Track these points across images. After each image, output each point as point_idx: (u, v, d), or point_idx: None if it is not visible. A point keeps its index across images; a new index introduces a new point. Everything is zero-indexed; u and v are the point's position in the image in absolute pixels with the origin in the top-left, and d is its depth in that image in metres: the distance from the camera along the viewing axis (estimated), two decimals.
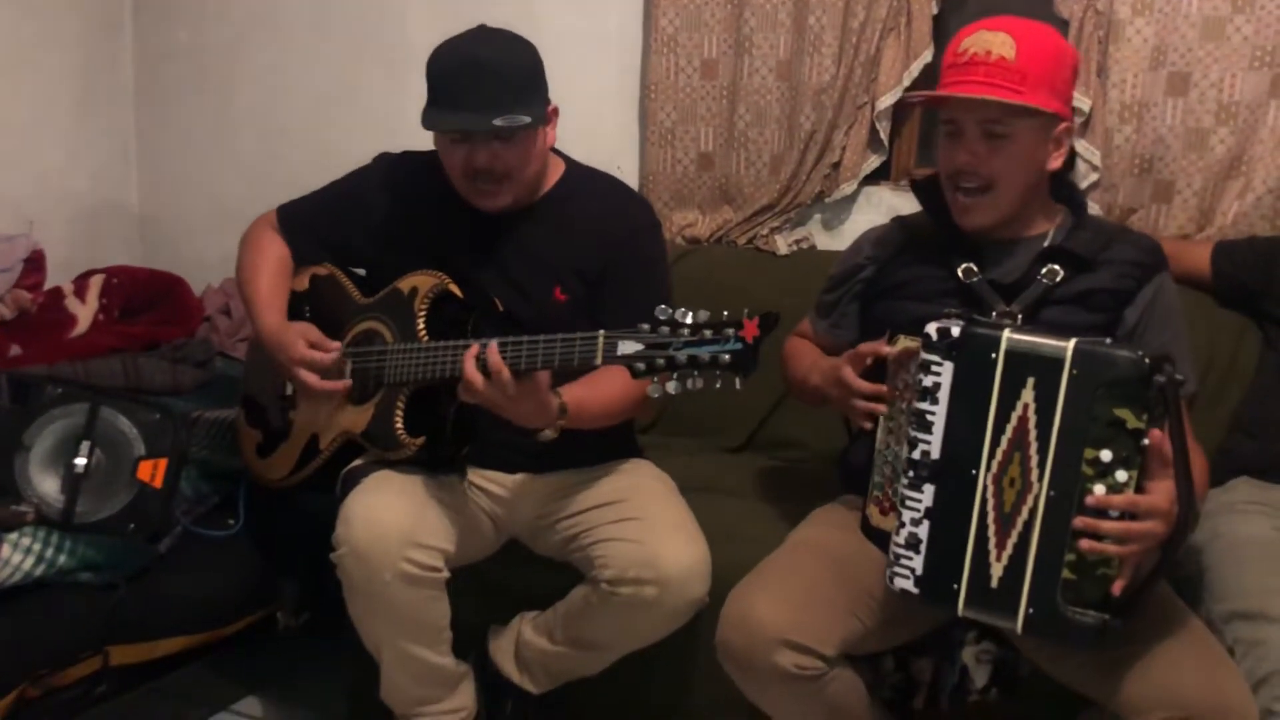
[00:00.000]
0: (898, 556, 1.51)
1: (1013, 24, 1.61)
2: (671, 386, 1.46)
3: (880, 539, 1.60)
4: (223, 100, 3.14)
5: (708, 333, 1.45)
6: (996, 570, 1.44)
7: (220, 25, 3.09)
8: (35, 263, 2.64)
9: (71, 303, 2.63)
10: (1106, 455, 1.36)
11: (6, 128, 2.86)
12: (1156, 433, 1.34)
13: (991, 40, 1.59)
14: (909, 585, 1.50)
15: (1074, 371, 1.37)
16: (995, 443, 1.44)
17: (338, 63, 2.99)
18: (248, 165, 3.11)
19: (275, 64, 3.06)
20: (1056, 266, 1.64)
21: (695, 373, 1.46)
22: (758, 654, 1.51)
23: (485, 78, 1.73)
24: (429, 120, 1.77)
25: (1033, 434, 1.41)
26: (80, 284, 2.68)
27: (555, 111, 1.85)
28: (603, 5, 2.69)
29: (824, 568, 1.62)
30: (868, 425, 1.61)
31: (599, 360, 1.52)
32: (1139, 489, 1.36)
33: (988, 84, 1.58)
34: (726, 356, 1.44)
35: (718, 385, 1.46)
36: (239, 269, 2.00)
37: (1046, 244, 1.68)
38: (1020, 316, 1.60)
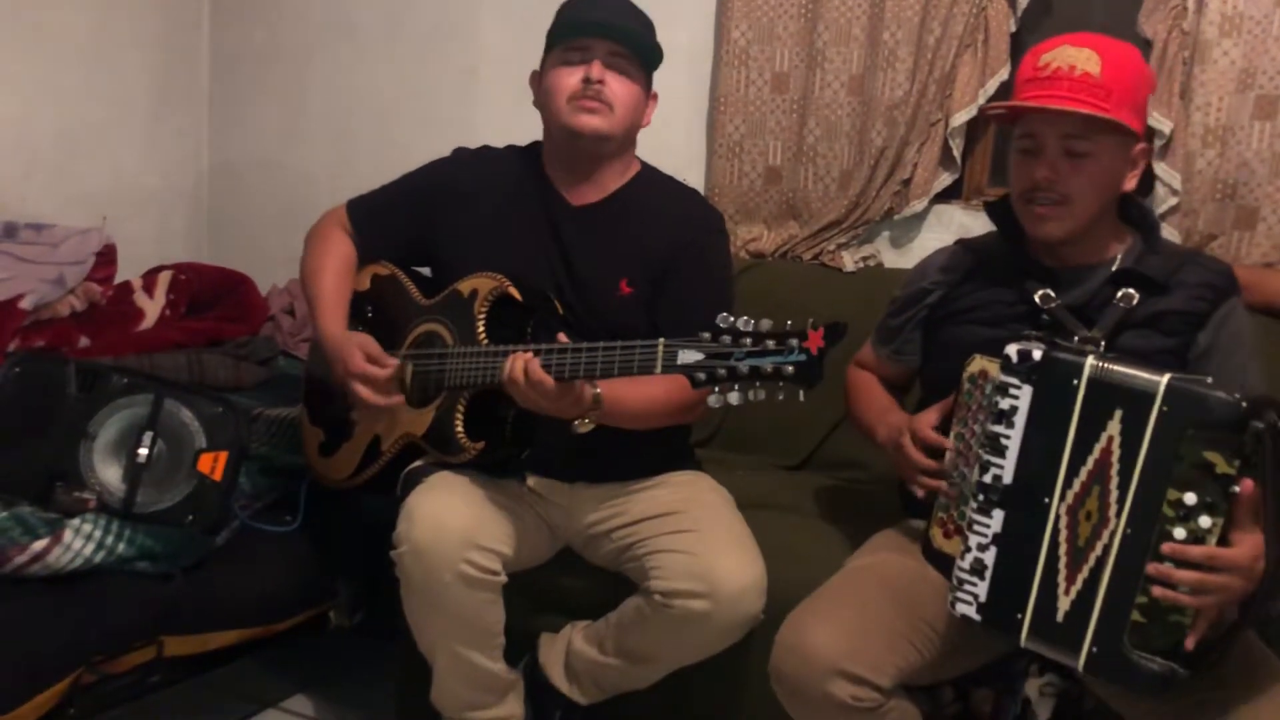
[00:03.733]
0: (961, 581, 1.47)
1: (1097, 40, 1.58)
2: (733, 397, 1.43)
3: (943, 563, 1.55)
4: (295, 102, 3.19)
5: (770, 343, 1.41)
6: (1064, 604, 1.40)
7: (295, 28, 3.14)
8: (107, 256, 2.68)
9: (140, 297, 2.68)
10: (1190, 498, 1.30)
11: (85, 124, 2.92)
12: (1248, 482, 1.28)
13: (1076, 55, 1.55)
14: (971, 611, 1.46)
15: (1165, 408, 1.32)
16: (1073, 472, 1.39)
17: (409, 67, 3.02)
18: (317, 167, 3.15)
19: (348, 67, 3.10)
20: (1132, 290, 1.59)
21: (757, 384, 1.42)
22: (812, 683, 1.47)
23: (624, 8, 1.86)
24: (567, 31, 1.81)
25: (1115, 468, 1.36)
26: (149, 279, 2.73)
27: (655, 96, 1.89)
28: (674, 16, 2.65)
29: (882, 596, 1.58)
30: (921, 494, 1.59)
31: (659, 369, 1.50)
32: (1224, 539, 1.30)
33: (1073, 99, 1.54)
34: (790, 368, 1.40)
35: (780, 397, 1.43)
36: (303, 265, 2.01)
37: (1115, 267, 1.64)
38: (1103, 342, 1.55)
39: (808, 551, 1.86)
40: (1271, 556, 1.30)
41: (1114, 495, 1.36)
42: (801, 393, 1.42)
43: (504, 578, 1.74)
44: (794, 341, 1.41)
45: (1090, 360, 1.39)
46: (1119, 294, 1.60)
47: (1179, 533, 1.30)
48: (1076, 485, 1.39)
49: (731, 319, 1.44)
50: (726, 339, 1.44)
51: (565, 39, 1.83)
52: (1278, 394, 1.90)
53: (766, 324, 1.43)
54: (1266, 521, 1.30)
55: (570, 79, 1.81)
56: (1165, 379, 1.33)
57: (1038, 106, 1.56)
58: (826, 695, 1.46)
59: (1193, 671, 1.32)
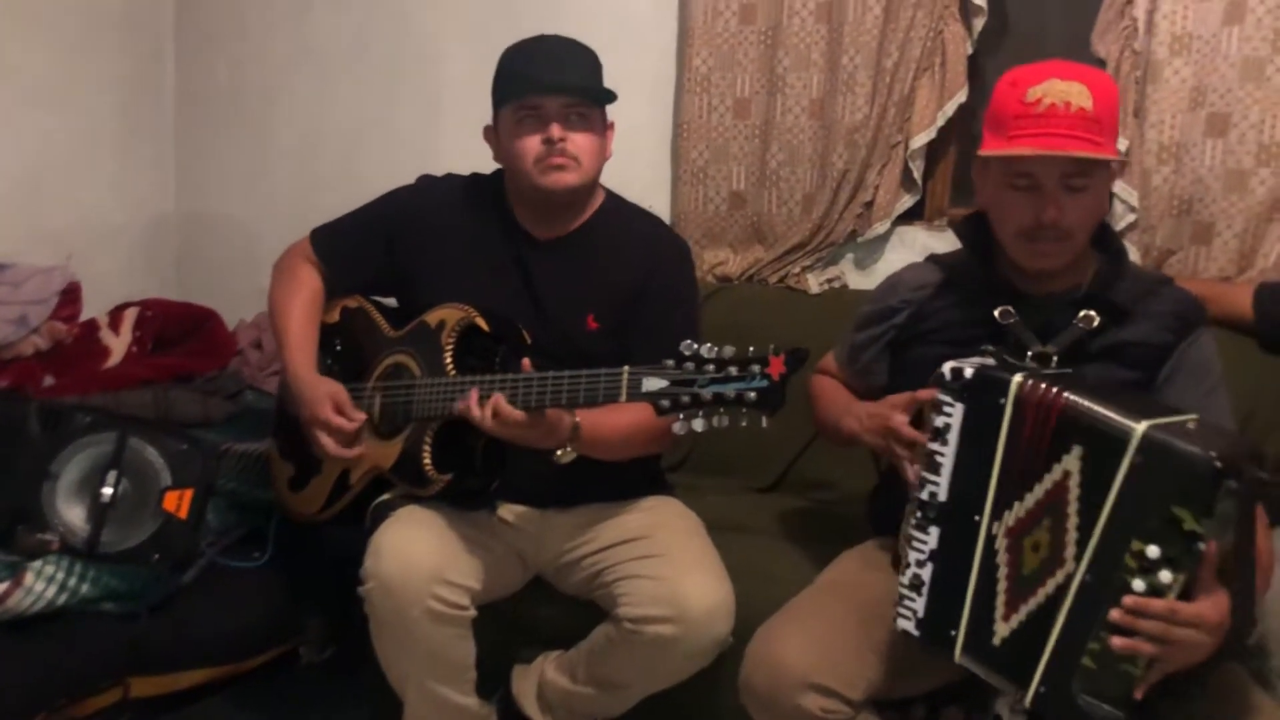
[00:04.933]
0: (902, 597, 1.48)
1: (1082, 71, 1.56)
2: (697, 424, 1.44)
3: None
4: (260, 137, 3.19)
5: (733, 370, 1.43)
6: (1001, 629, 1.39)
7: (259, 63, 3.14)
8: (71, 294, 2.66)
9: (106, 335, 2.66)
10: (1154, 551, 1.25)
11: (50, 162, 2.91)
12: (1214, 544, 1.24)
13: (1068, 90, 1.53)
14: (911, 627, 1.47)
15: (1138, 459, 1.27)
16: (1011, 494, 1.38)
17: (374, 100, 3.02)
18: (284, 201, 3.15)
19: (313, 101, 3.10)
20: (1092, 313, 1.59)
21: (721, 410, 1.44)
22: (782, 696, 1.48)
23: (568, 56, 1.81)
24: (516, 93, 1.79)
25: (1074, 506, 1.33)
26: (115, 316, 2.71)
27: (612, 126, 1.88)
28: (636, 44, 2.71)
29: (851, 609, 1.58)
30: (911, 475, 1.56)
31: (623, 397, 1.51)
32: (1187, 596, 1.26)
33: (1073, 137, 1.51)
34: (752, 394, 1.42)
35: (744, 424, 1.44)
36: (271, 300, 2.00)
37: (1084, 291, 1.63)
38: (1056, 359, 1.56)
39: (779, 572, 1.86)
40: (1237, 615, 1.27)
41: (1072, 535, 1.33)
42: (764, 419, 1.43)
43: (473, 612, 1.73)
44: (756, 368, 1.42)
45: (1016, 379, 1.38)
46: (1079, 315, 1.59)
47: (1138, 585, 1.26)
48: (1020, 510, 1.38)
49: (695, 346, 1.45)
50: (690, 366, 1.45)
51: (515, 99, 1.80)
52: (1247, 407, 1.94)
53: (729, 350, 1.45)
54: (1236, 580, 1.27)
55: (531, 143, 1.79)
56: (1142, 427, 1.27)
57: (1058, 153, 1.51)
58: (797, 708, 1.47)
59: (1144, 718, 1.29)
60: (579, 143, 1.80)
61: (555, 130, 1.77)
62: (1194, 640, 1.26)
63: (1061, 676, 1.33)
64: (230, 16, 3.15)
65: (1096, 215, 1.60)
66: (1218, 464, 1.22)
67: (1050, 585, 1.35)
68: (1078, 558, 1.32)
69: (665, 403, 1.45)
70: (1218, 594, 1.26)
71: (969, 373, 1.42)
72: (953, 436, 1.43)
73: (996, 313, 1.62)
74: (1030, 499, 1.37)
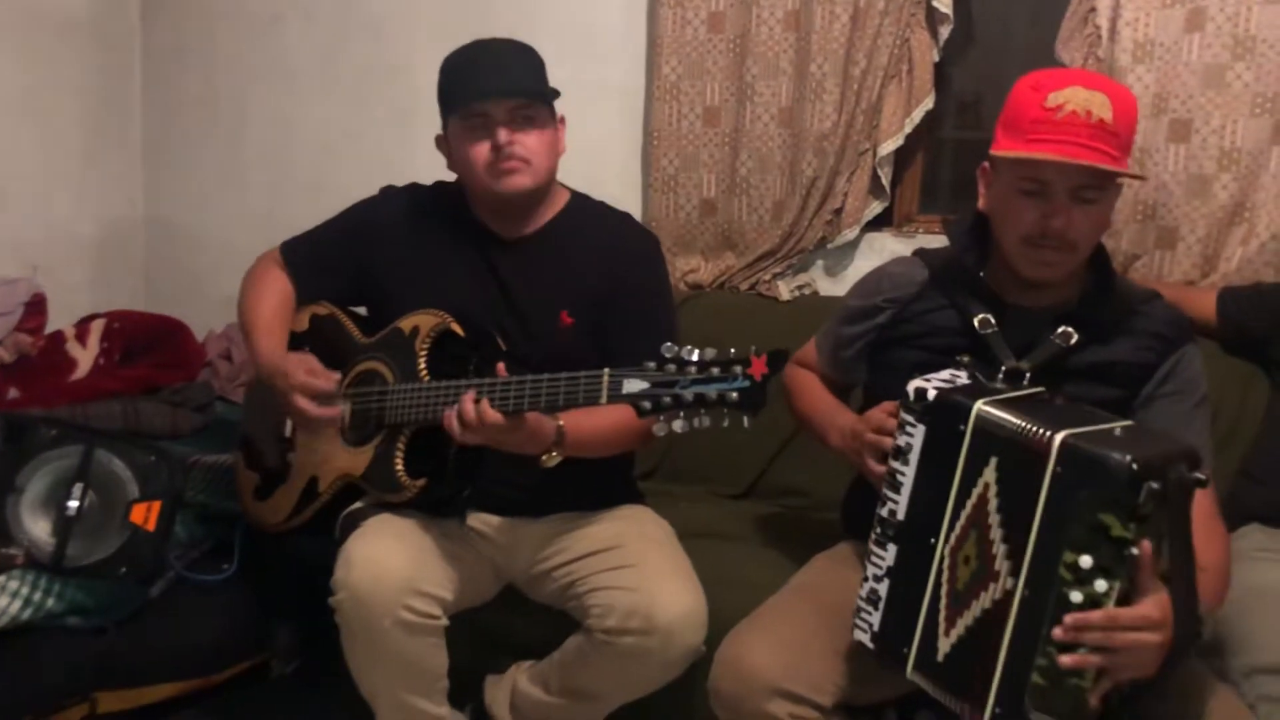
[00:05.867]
0: (859, 610, 1.48)
1: (1103, 82, 1.55)
2: (678, 425, 1.44)
3: None
4: (230, 147, 3.17)
5: (715, 370, 1.43)
6: (943, 645, 1.39)
7: (229, 73, 3.13)
8: (36, 306, 2.64)
9: (72, 346, 2.63)
10: (1086, 561, 1.24)
11: (17, 173, 2.88)
12: (1146, 544, 1.23)
13: (1090, 100, 1.50)
14: (866, 640, 1.47)
15: (1058, 469, 1.27)
16: (955, 516, 1.39)
17: (345, 110, 3.01)
18: (253, 212, 3.13)
19: (282, 112, 3.09)
20: (1070, 329, 1.58)
21: (702, 411, 1.43)
22: (751, 702, 1.48)
23: (508, 57, 1.80)
24: (460, 101, 1.78)
25: (993, 517, 1.34)
26: (81, 328, 2.68)
27: (563, 120, 1.88)
28: (606, 53, 2.71)
29: (821, 613, 1.58)
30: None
31: (604, 399, 1.51)
32: (1126, 601, 1.25)
33: (1092, 148, 1.48)
34: (734, 395, 1.42)
35: (725, 424, 1.44)
36: (240, 301, 1.99)
37: (1071, 308, 1.62)
38: (1028, 375, 1.54)
39: (751, 579, 1.85)
40: (1180, 608, 1.26)
41: (1000, 548, 1.33)
42: (746, 419, 1.43)
43: (445, 621, 1.73)
44: (738, 368, 1.42)
45: (979, 405, 1.37)
46: (1058, 330, 1.58)
47: (1075, 596, 1.25)
48: (957, 528, 1.38)
49: (676, 348, 1.45)
50: (671, 367, 1.45)
51: (460, 106, 1.80)
52: (1212, 410, 1.93)
53: (711, 352, 1.45)
54: (1171, 577, 1.27)
55: (480, 150, 1.79)
56: (1059, 437, 1.27)
57: (1077, 162, 1.49)
58: (767, 714, 1.47)
59: None
60: (528, 144, 1.79)
61: (502, 135, 1.77)
62: (1140, 642, 1.25)
63: (1014, 695, 1.31)
64: (199, 26, 3.13)
65: (1101, 230, 1.59)
66: (1134, 466, 1.21)
67: (985, 599, 1.34)
68: (1013, 573, 1.31)
69: (646, 404, 1.45)
70: (1159, 593, 1.26)
71: (931, 394, 1.41)
72: (913, 457, 1.43)
73: (976, 321, 1.61)
74: (963, 514, 1.38)
